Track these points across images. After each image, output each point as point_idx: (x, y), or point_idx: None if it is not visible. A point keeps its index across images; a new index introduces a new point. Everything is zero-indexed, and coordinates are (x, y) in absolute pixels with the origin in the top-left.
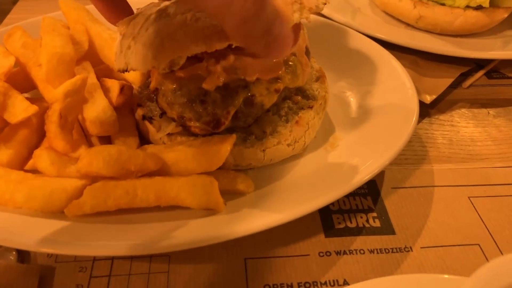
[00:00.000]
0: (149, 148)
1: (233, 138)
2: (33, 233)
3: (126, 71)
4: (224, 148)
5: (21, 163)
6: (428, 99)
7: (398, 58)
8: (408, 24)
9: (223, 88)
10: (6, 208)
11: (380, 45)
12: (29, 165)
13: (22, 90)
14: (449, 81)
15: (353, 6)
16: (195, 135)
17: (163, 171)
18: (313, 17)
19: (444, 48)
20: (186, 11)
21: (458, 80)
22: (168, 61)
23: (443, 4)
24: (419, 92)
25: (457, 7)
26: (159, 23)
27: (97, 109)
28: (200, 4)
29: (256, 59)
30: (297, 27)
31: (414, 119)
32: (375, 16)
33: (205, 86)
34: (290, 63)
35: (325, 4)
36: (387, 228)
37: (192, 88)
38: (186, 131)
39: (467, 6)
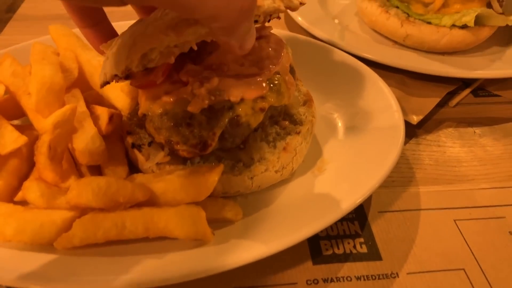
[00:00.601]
0: (138, 178)
1: (220, 167)
2: (22, 269)
3: (107, 83)
4: (212, 178)
5: (11, 193)
6: (415, 119)
7: (385, 77)
8: (396, 42)
9: (208, 110)
10: None
11: (368, 64)
12: (19, 196)
13: (11, 117)
14: (435, 100)
15: (341, 24)
16: (185, 159)
17: (151, 201)
18: (300, 37)
19: (431, 67)
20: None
21: (445, 99)
22: (139, 56)
23: (429, 23)
24: (406, 113)
25: (443, 26)
26: (134, 28)
27: (86, 139)
28: (197, 7)
29: (239, 80)
30: (279, 46)
31: (400, 143)
32: (364, 34)
33: (190, 109)
34: (275, 81)
35: (301, 4)
36: (374, 254)
37: (178, 111)
38: (174, 157)
39: (453, 25)
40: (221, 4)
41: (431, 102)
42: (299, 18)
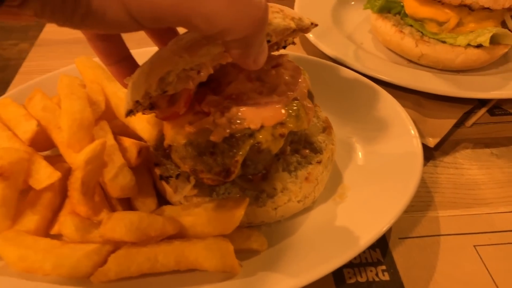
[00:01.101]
0: (167, 210)
1: (246, 202)
2: None
3: (131, 111)
4: (239, 213)
5: (47, 227)
6: (432, 142)
7: (401, 97)
8: (410, 61)
9: (230, 138)
10: (35, 276)
11: (384, 84)
12: (55, 230)
13: (42, 149)
14: (452, 122)
15: (355, 43)
16: (211, 191)
17: (181, 234)
18: (316, 59)
19: (447, 89)
20: None
21: (461, 119)
22: (157, 80)
23: (444, 42)
24: (422, 135)
25: (458, 45)
26: (152, 56)
27: (116, 174)
28: (212, 21)
29: (258, 108)
30: (296, 72)
31: (419, 171)
32: (378, 53)
33: (212, 138)
34: (293, 107)
35: (313, 24)
36: (396, 282)
37: (202, 141)
38: (201, 190)
39: (468, 45)
40: (235, 17)
41: (448, 123)
42: (311, 36)
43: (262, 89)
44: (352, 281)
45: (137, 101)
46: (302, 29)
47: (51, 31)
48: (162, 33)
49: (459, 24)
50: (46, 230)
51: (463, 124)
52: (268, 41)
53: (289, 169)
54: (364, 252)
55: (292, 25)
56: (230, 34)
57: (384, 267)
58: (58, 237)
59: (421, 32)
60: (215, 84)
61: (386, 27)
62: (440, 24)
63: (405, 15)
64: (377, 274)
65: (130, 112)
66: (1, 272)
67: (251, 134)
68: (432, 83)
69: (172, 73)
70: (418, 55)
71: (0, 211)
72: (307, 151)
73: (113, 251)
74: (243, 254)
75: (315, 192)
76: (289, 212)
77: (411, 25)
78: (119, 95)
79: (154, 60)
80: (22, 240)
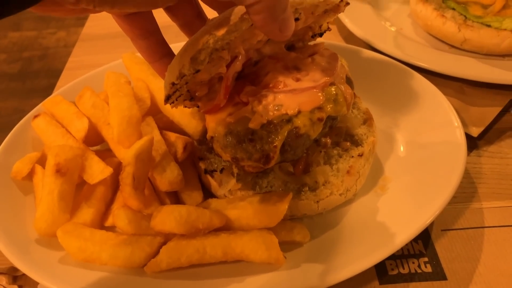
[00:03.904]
0: (213, 204)
1: (290, 196)
2: None
3: (169, 96)
4: (283, 207)
5: (101, 219)
6: (475, 131)
7: (443, 85)
8: (452, 46)
9: (268, 125)
10: (93, 266)
11: (425, 71)
12: (109, 222)
13: (92, 144)
14: (497, 110)
15: (395, 28)
16: (254, 186)
17: (227, 226)
18: (353, 47)
19: (492, 75)
20: None
21: (506, 106)
22: (189, 59)
23: (489, 26)
24: (465, 124)
25: (504, 29)
26: (187, 42)
27: (165, 169)
28: None
29: (295, 94)
30: (333, 59)
31: (463, 162)
32: (418, 38)
33: (251, 125)
34: (331, 92)
35: (343, 1)
36: (438, 274)
37: (241, 130)
38: (245, 184)
39: None
40: None
41: (492, 111)
42: (348, 22)
43: (299, 76)
44: (394, 272)
45: (172, 83)
46: (333, 7)
47: (93, 25)
48: (191, 22)
49: (505, 6)
50: (100, 222)
51: (509, 111)
52: (297, 19)
53: (330, 162)
54: (406, 244)
55: (321, 2)
56: None
57: (426, 259)
58: (111, 228)
59: (464, 16)
60: (253, 76)
61: (427, 11)
62: (485, 7)
63: None
64: (419, 266)
65: (168, 98)
66: (63, 261)
67: (289, 119)
68: (476, 69)
69: (203, 51)
70: (461, 40)
71: (59, 205)
72: (348, 143)
73: (163, 243)
74: (286, 246)
75: (356, 185)
76: (331, 205)
77: (453, 9)
78: None
79: (186, 45)
80: (80, 232)
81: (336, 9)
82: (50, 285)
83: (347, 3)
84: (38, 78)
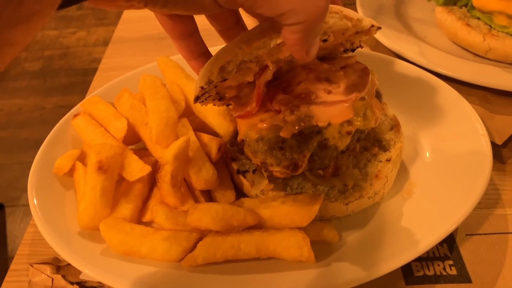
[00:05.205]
0: (246, 203)
1: (321, 198)
2: (157, 281)
3: (198, 97)
4: (314, 208)
5: (138, 214)
6: (499, 139)
7: (467, 93)
8: (476, 55)
9: (298, 135)
10: (133, 258)
11: (450, 79)
12: (147, 218)
13: (130, 143)
14: None
15: (419, 36)
16: (285, 186)
17: (259, 225)
18: (379, 55)
19: None
20: None
21: None
22: (218, 68)
23: None
24: (490, 132)
25: None
26: (220, 49)
27: (200, 169)
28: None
29: (326, 106)
30: (364, 73)
31: (488, 170)
32: (443, 47)
33: (282, 134)
34: (361, 106)
35: (374, 26)
36: (463, 277)
37: (272, 137)
38: (276, 185)
39: None
40: (300, 0)
41: None
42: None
43: (330, 88)
44: (420, 274)
45: (202, 87)
46: (362, 30)
47: (124, 28)
48: (230, 28)
49: None
50: (138, 217)
51: None
52: (325, 40)
53: (359, 166)
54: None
55: (349, 25)
56: (293, 16)
57: (451, 262)
58: (148, 224)
59: (489, 26)
60: (285, 84)
61: (451, 20)
62: (510, 17)
63: (472, 7)
64: (444, 269)
65: (197, 99)
66: (105, 253)
67: (319, 131)
68: (500, 78)
69: (231, 63)
70: (485, 49)
71: (101, 201)
72: (376, 148)
73: (200, 239)
74: (315, 245)
75: (384, 189)
76: (359, 207)
77: (478, 18)
78: None
79: (219, 52)
80: (121, 226)
81: (367, 32)
82: (94, 275)
83: (379, 28)
84: (58, 76)
